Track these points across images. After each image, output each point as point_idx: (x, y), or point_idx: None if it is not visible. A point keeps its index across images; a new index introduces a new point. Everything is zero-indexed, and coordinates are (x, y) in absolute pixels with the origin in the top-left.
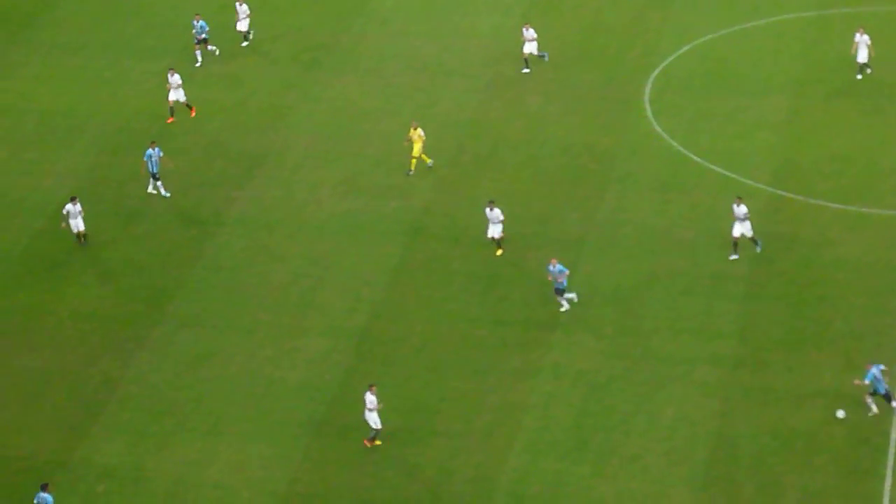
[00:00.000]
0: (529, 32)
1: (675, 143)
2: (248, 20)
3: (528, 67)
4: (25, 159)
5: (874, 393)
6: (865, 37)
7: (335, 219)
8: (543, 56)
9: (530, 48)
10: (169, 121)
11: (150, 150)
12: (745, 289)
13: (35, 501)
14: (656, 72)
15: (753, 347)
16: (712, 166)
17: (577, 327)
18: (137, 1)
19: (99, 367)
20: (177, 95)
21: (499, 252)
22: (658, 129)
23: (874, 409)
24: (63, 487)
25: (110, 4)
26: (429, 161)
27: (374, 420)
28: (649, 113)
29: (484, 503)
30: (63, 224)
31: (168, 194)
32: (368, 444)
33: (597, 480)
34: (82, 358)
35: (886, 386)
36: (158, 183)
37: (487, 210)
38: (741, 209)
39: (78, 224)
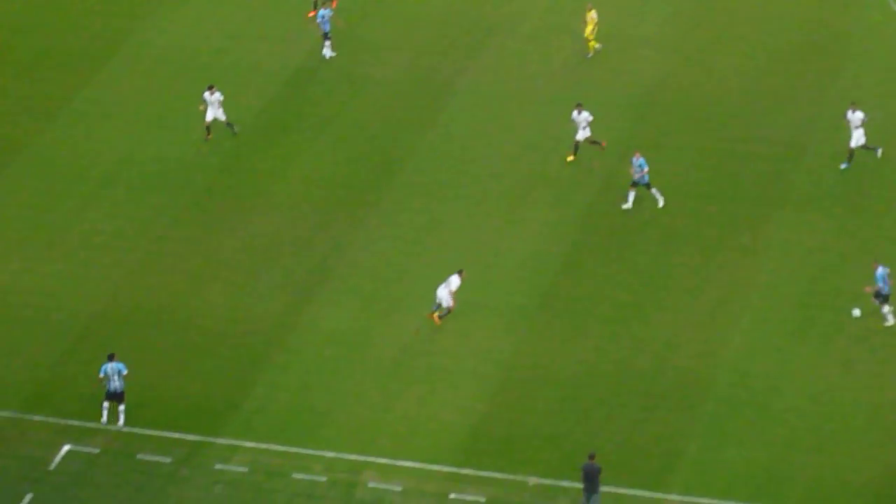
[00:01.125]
0: None
1: None
2: None
3: None
4: (262, 24)
5: (878, 295)
6: None
7: (566, 90)
8: None
9: None
10: (310, 15)
11: (322, 11)
12: None
13: (101, 374)
14: None
15: None
16: None
17: (807, 206)
18: None
19: (329, 232)
20: None
21: (569, 159)
22: None
23: (890, 320)
24: (290, 350)
25: None
26: (597, 45)
27: (446, 299)
28: None
29: (708, 379)
30: (202, 107)
31: (334, 54)
32: (436, 320)
33: (822, 359)
34: (313, 223)
35: (888, 289)
36: (327, 42)
37: (575, 113)
38: (857, 115)
39: (217, 113)
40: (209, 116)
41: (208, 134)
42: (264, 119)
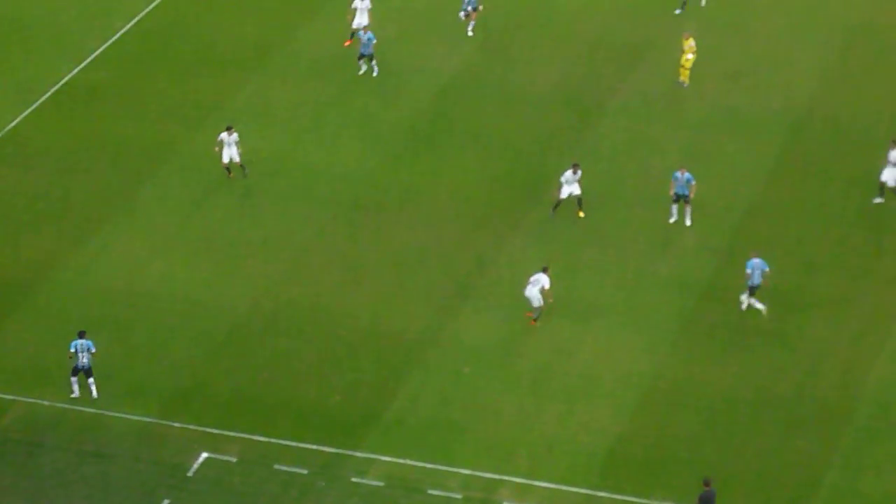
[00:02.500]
0: None
1: None
2: None
3: None
4: (415, 34)
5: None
6: None
7: (717, 113)
8: None
9: None
10: (346, 44)
11: (366, 35)
12: None
13: (72, 350)
14: None
15: None
16: None
17: None
18: None
19: (473, 248)
20: (359, 20)
21: (580, 214)
22: None
23: (758, 306)
24: (431, 365)
25: None
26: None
27: (537, 299)
28: None
29: (847, 409)
30: (216, 149)
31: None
32: (532, 323)
33: None
34: (457, 238)
35: (757, 282)
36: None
37: (570, 172)
38: (894, 154)
39: (232, 154)
40: (225, 157)
41: (229, 173)
42: (412, 133)
